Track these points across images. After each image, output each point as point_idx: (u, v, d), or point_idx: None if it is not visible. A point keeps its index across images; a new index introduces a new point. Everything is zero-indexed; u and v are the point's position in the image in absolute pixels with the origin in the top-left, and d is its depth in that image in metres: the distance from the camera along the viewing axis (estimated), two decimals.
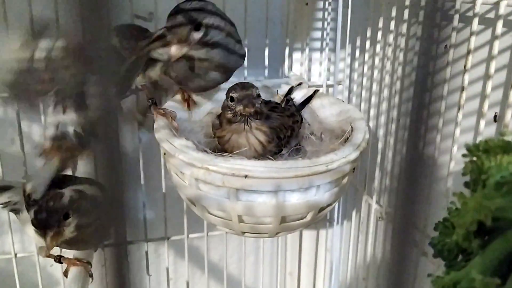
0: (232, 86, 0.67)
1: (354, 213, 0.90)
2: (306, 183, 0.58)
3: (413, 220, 0.71)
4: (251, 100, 0.64)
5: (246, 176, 0.56)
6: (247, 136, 0.65)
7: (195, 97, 0.77)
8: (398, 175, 0.75)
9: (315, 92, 0.80)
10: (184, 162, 0.59)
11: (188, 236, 0.91)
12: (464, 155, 0.40)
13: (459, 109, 0.58)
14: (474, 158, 0.39)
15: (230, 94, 0.66)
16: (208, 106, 0.77)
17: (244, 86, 0.66)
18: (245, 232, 0.65)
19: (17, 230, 0.95)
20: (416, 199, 0.72)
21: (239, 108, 0.64)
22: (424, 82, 0.69)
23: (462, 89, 0.57)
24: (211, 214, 0.64)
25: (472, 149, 0.39)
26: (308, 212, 0.62)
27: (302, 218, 0.63)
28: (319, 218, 0.67)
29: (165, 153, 0.64)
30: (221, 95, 0.74)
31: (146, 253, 0.90)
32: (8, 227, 0.82)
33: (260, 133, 0.65)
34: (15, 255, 0.84)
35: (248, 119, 0.65)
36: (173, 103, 0.75)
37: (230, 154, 0.62)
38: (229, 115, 0.66)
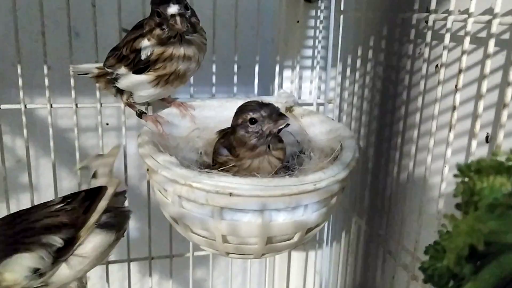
0: (243, 109, 0.63)
1: (343, 235, 0.88)
2: (293, 202, 0.56)
3: (403, 242, 0.69)
4: (279, 112, 0.61)
5: (230, 194, 0.54)
6: (268, 159, 0.63)
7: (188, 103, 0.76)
8: (388, 196, 0.73)
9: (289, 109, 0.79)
10: (167, 179, 0.57)
11: (173, 256, 0.88)
12: (455, 176, 0.38)
13: (450, 129, 0.57)
14: (466, 179, 0.37)
15: (250, 117, 0.61)
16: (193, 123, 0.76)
17: (260, 103, 0.62)
18: (229, 253, 0.62)
19: None
20: (407, 221, 0.70)
21: (268, 126, 0.61)
22: (415, 102, 0.68)
23: (454, 108, 0.56)
24: (195, 233, 0.61)
25: (463, 170, 0.37)
26: (295, 233, 0.60)
27: (289, 239, 0.61)
28: (307, 239, 0.65)
29: (148, 169, 0.62)
30: (207, 112, 0.73)
31: (129, 273, 0.87)
32: None
33: (279, 152, 0.64)
34: None
35: (272, 139, 0.62)
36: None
37: (215, 171, 0.60)
38: (253, 140, 0.62)
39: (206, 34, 0.71)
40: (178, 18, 0.63)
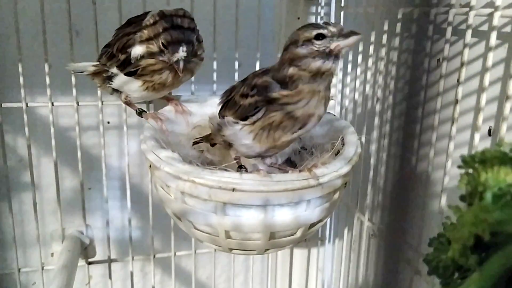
0: (303, 28, 0.54)
1: (346, 231, 0.88)
2: (296, 197, 0.56)
3: (406, 237, 0.69)
4: (350, 30, 0.52)
5: (233, 189, 0.54)
6: (324, 102, 0.56)
7: (186, 107, 0.76)
8: (390, 191, 0.73)
9: None
10: (170, 175, 0.57)
11: (175, 254, 0.88)
12: (459, 167, 0.38)
13: (453, 123, 0.57)
14: (470, 170, 0.37)
15: (316, 33, 0.52)
16: (195, 119, 0.75)
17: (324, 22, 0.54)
18: (232, 249, 0.62)
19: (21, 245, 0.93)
20: (410, 216, 0.70)
21: (336, 43, 0.52)
22: (417, 96, 0.68)
23: (456, 102, 0.56)
24: (198, 229, 0.61)
25: (467, 161, 0.37)
26: (298, 228, 0.60)
27: (291, 235, 0.61)
28: (310, 234, 0.65)
29: (150, 166, 0.62)
30: (208, 109, 0.73)
31: (131, 272, 0.87)
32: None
33: (328, 92, 0.57)
34: (19, 270, 0.82)
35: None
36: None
37: (218, 166, 0.60)
38: (319, 62, 0.52)
39: (207, 31, 0.71)
40: (181, 64, 0.64)
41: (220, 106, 0.63)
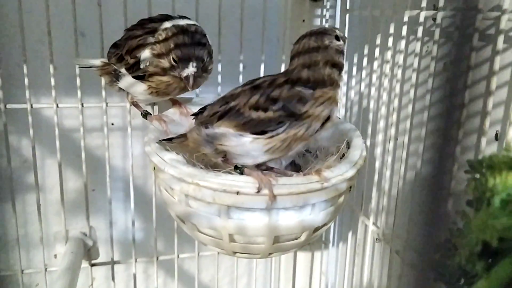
0: (319, 31, 0.59)
1: (350, 235, 0.88)
2: (300, 201, 0.56)
3: (411, 242, 0.68)
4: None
5: (238, 193, 0.54)
6: (334, 102, 0.58)
7: (190, 109, 0.76)
8: (396, 195, 0.73)
9: None
10: (174, 177, 0.57)
11: (178, 256, 0.88)
12: (466, 172, 0.38)
13: (459, 127, 0.56)
14: (477, 175, 0.37)
15: (336, 34, 0.58)
16: None
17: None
18: (236, 252, 0.62)
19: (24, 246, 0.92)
20: (415, 221, 0.69)
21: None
22: (422, 100, 0.67)
23: (463, 106, 0.56)
24: (201, 232, 0.61)
25: (475, 166, 0.37)
26: (303, 232, 0.60)
27: (296, 238, 0.61)
28: (314, 238, 0.65)
29: (154, 168, 0.62)
30: None
31: (134, 274, 0.87)
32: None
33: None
34: (22, 271, 0.82)
35: None
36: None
37: (223, 170, 0.60)
38: (343, 61, 0.58)
39: (212, 33, 0.71)
40: (191, 80, 0.65)
41: (206, 116, 0.59)
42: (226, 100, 0.59)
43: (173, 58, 0.65)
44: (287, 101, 0.55)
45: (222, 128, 0.57)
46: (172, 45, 0.65)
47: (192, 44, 0.65)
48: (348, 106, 0.88)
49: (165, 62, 0.66)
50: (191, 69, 0.64)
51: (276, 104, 0.55)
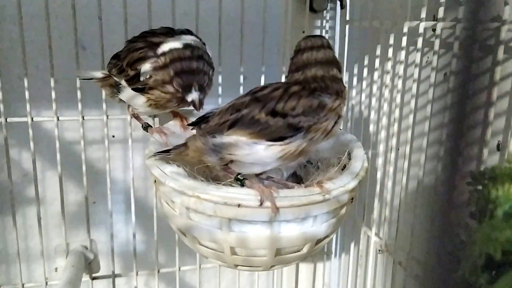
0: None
1: (352, 246, 0.87)
2: (302, 213, 0.56)
3: (414, 253, 0.68)
4: None
5: (239, 205, 0.54)
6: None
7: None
8: (398, 206, 0.72)
9: None
10: (175, 190, 0.57)
11: (179, 269, 0.87)
12: (468, 183, 0.38)
13: (461, 137, 0.56)
14: (480, 187, 0.37)
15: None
16: None
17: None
18: (238, 265, 0.61)
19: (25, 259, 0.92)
20: (417, 232, 0.68)
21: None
22: (423, 110, 0.67)
23: (464, 116, 0.55)
24: (203, 245, 0.61)
25: (477, 177, 0.37)
26: (305, 244, 0.60)
27: (298, 251, 0.60)
28: (316, 250, 0.64)
29: (155, 181, 0.61)
30: None
31: (135, 287, 0.86)
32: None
33: None
34: (23, 285, 0.82)
35: None
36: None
37: (223, 183, 0.59)
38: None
39: (212, 44, 0.72)
40: (197, 103, 0.65)
41: (215, 125, 0.58)
42: (236, 108, 0.57)
43: (174, 85, 0.66)
44: (306, 108, 0.55)
45: (233, 137, 0.56)
46: (172, 73, 0.65)
47: (191, 72, 0.65)
48: (349, 116, 0.88)
49: (169, 88, 0.67)
50: (194, 95, 0.65)
51: (295, 110, 0.55)
